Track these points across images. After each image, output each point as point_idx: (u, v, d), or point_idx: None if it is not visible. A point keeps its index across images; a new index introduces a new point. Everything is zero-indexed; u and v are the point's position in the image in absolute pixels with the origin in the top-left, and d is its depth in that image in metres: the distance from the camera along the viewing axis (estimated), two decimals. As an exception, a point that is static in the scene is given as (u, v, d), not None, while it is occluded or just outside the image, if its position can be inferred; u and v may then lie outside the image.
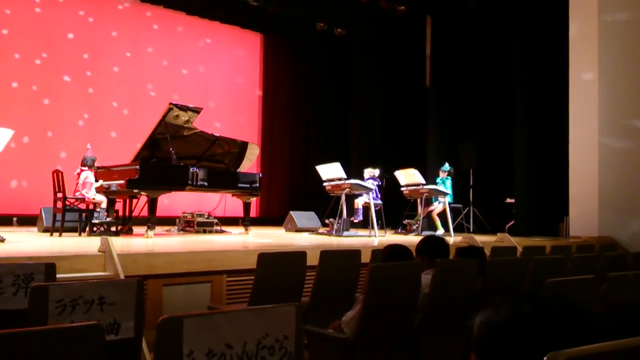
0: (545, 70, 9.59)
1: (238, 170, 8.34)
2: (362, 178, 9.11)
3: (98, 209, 7.48)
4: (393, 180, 9.46)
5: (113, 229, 7.00)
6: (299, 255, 3.69)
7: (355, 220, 9.14)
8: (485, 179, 10.54)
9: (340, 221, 8.09)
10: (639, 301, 2.60)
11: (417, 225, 8.93)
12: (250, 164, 8.56)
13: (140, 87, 11.30)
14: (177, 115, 7.45)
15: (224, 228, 8.43)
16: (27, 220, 8.89)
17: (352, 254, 3.88)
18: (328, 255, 3.69)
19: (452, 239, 8.05)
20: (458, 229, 9.71)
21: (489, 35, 10.69)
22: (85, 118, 10.62)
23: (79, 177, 7.45)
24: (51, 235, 6.83)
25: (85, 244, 5.42)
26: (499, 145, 10.56)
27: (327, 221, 8.63)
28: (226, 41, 12.66)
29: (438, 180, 9.50)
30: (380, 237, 7.97)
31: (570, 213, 8.82)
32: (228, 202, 8.93)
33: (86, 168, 7.41)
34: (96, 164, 7.55)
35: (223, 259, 4.55)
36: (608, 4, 8.68)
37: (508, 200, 10.09)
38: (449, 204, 9.20)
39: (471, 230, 9.94)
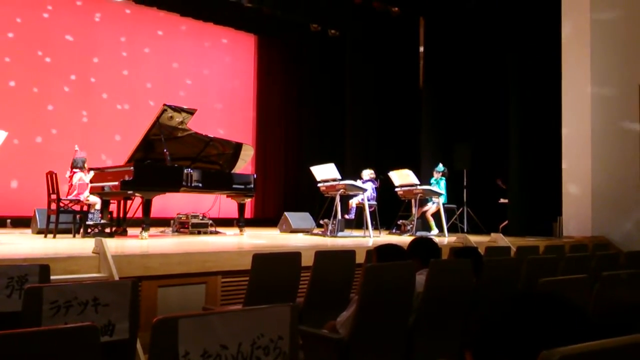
0: (538, 70, 9.63)
1: (232, 171, 8.33)
2: (359, 179, 9.11)
3: (92, 211, 7.45)
4: (387, 181, 9.47)
5: (107, 230, 6.96)
6: (293, 256, 3.69)
7: (347, 217, 9.12)
8: (479, 179, 10.57)
9: (334, 222, 8.09)
10: (632, 300, 2.62)
11: (411, 225, 8.95)
12: (244, 165, 8.55)
13: (136, 88, 11.26)
14: (171, 117, 7.43)
15: (218, 229, 8.41)
16: (21, 222, 8.84)
17: (347, 255, 3.88)
18: (323, 256, 3.69)
19: (447, 239, 8.07)
20: (452, 230, 9.74)
21: (483, 35, 10.72)
22: (80, 120, 10.57)
23: (71, 179, 7.41)
24: (45, 236, 6.80)
25: (79, 245, 5.40)
26: (492, 146, 10.60)
27: (321, 222, 8.62)
28: (220, 42, 12.64)
29: (432, 180, 9.52)
30: (374, 238, 7.99)
31: (563, 213, 8.85)
32: (222, 203, 8.92)
33: (78, 170, 7.38)
34: (86, 165, 7.52)
35: (218, 260, 4.54)
36: (600, 3, 8.73)
37: (502, 200, 10.13)
38: (443, 204, 9.23)
39: (465, 230, 9.98)
